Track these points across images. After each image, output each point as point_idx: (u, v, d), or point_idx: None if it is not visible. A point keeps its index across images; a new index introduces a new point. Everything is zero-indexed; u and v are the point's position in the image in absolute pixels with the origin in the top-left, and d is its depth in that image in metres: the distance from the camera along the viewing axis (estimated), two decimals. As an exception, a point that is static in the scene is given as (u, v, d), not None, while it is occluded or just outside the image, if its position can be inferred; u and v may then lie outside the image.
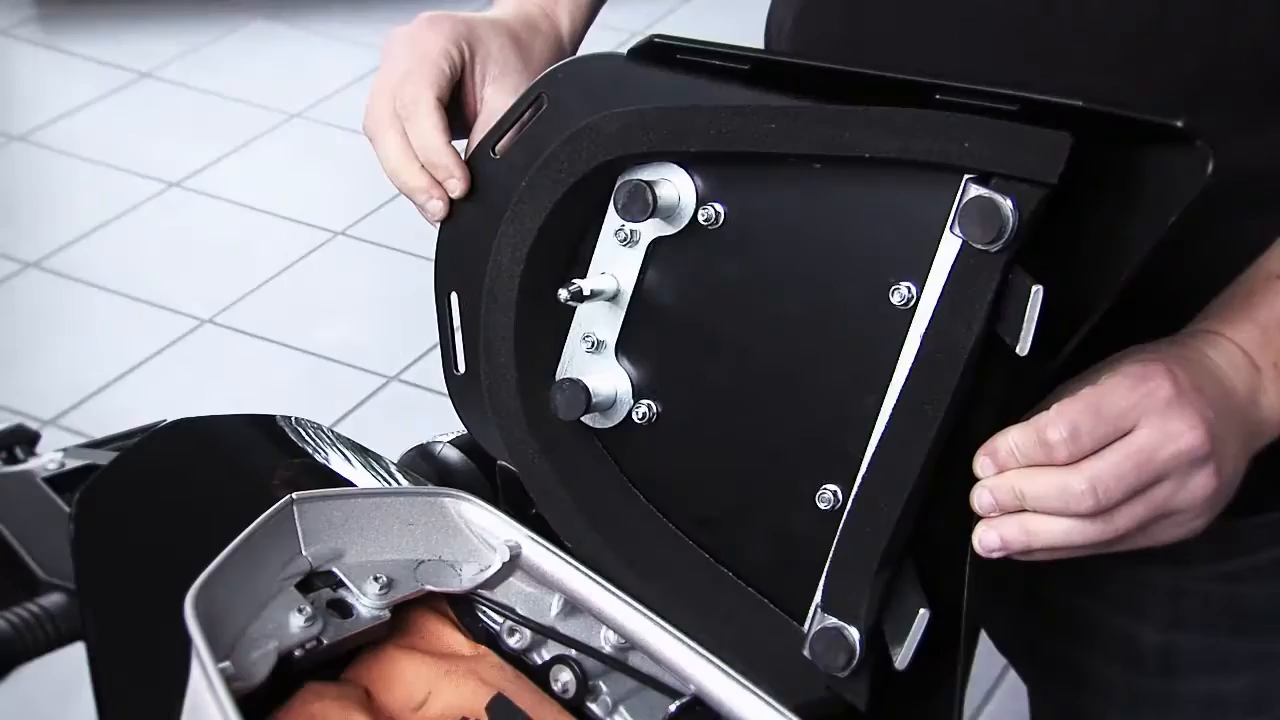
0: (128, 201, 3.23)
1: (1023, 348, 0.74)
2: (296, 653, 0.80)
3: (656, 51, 0.87)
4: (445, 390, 0.99)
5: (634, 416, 0.89)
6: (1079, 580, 1.01)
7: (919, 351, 0.77)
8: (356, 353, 2.81)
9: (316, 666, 0.82)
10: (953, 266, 0.75)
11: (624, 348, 0.89)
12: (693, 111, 0.83)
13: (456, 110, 0.97)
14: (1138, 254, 0.75)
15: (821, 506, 0.82)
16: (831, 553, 0.80)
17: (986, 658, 1.12)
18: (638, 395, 0.89)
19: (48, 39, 3.87)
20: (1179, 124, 0.71)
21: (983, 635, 1.11)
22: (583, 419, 0.89)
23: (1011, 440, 0.75)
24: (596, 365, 0.89)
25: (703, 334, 0.87)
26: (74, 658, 0.85)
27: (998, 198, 0.73)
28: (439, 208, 0.94)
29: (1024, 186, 0.73)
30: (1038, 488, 0.74)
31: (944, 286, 0.76)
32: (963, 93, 0.76)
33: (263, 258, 3.08)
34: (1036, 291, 0.73)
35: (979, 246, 0.74)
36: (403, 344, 2.78)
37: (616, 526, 0.89)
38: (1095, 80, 0.86)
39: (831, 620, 0.79)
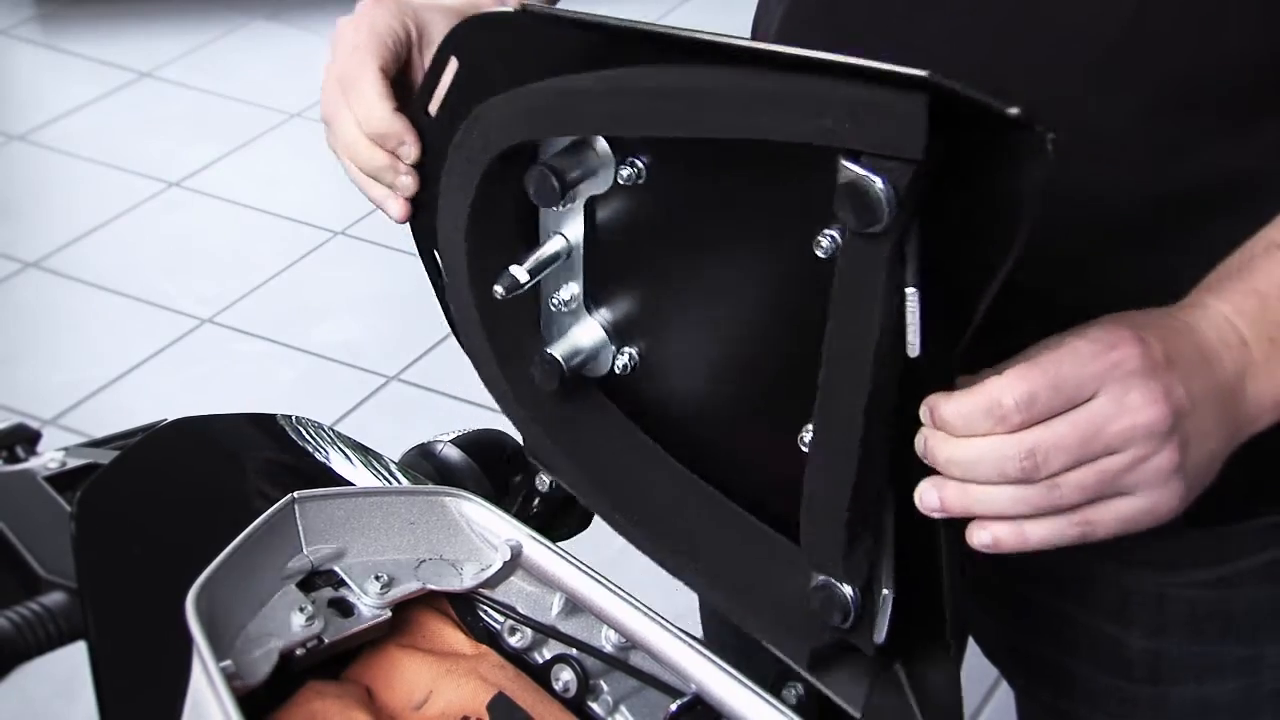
0: (128, 201, 3.23)
1: (912, 350, 0.71)
2: (298, 651, 0.80)
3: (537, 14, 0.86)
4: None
5: (616, 367, 0.89)
6: (1066, 587, 1.00)
7: (832, 310, 0.74)
8: (356, 352, 2.81)
9: (317, 665, 0.82)
10: (840, 254, 0.72)
11: (593, 300, 0.89)
12: (567, 95, 0.81)
13: (408, 93, 0.96)
14: (1014, 239, 0.70)
15: (804, 449, 0.80)
16: (803, 501, 0.78)
17: (986, 659, 1.12)
18: (618, 344, 0.89)
19: (47, 39, 3.87)
20: (1013, 112, 0.66)
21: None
22: (577, 373, 0.89)
23: (962, 406, 0.72)
24: (573, 322, 0.89)
25: (659, 281, 0.86)
26: (74, 657, 0.85)
27: (870, 177, 0.68)
28: (398, 210, 0.93)
29: (894, 164, 0.68)
30: (971, 453, 0.72)
31: (836, 274, 0.73)
32: (814, 65, 0.71)
33: (262, 257, 3.08)
34: (911, 295, 0.70)
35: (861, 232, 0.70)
36: (403, 343, 2.78)
37: (623, 481, 0.89)
38: (1077, 85, 0.85)
39: (823, 576, 0.78)
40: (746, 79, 0.74)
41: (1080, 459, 0.72)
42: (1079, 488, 0.73)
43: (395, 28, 0.95)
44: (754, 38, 1.06)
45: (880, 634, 0.78)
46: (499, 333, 0.91)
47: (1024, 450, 0.71)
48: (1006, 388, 0.71)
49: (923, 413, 0.74)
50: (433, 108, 0.93)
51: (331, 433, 1.03)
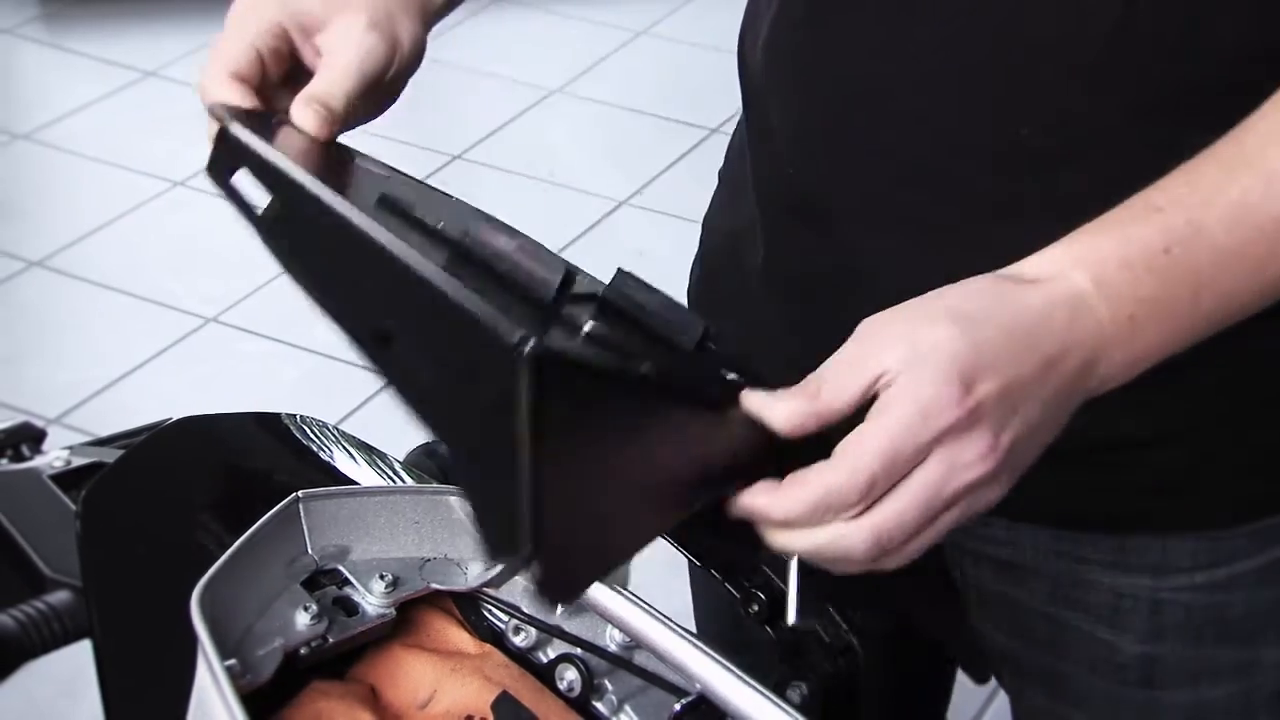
0: (132, 200, 3.23)
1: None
2: (302, 650, 0.80)
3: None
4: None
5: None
6: (1059, 591, 1.00)
7: None
8: (360, 352, 2.81)
9: (322, 664, 0.82)
10: None
11: None
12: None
13: (303, 73, 0.92)
14: None
15: None
16: None
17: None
18: None
19: (52, 38, 3.87)
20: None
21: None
22: None
23: (796, 505, 0.72)
24: None
25: None
26: (79, 656, 0.85)
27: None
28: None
29: None
30: (816, 542, 0.72)
31: None
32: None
33: (267, 257, 3.07)
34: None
35: None
36: (407, 343, 2.78)
37: None
38: (1076, 86, 0.84)
39: None
40: None
41: (922, 524, 0.72)
42: (918, 546, 0.74)
43: (261, 26, 0.90)
44: (742, 40, 1.04)
45: (791, 616, 0.77)
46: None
47: (870, 539, 0.71)
48: (846, 482, 0.71)
49: (736, 510, 0.73)
50: None
51: (336, 432, 1.03)
